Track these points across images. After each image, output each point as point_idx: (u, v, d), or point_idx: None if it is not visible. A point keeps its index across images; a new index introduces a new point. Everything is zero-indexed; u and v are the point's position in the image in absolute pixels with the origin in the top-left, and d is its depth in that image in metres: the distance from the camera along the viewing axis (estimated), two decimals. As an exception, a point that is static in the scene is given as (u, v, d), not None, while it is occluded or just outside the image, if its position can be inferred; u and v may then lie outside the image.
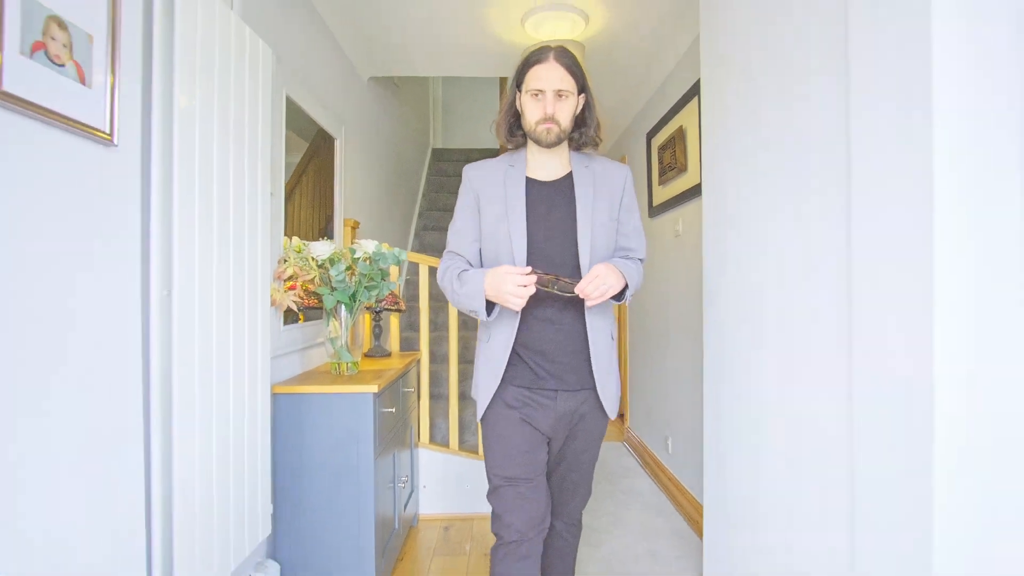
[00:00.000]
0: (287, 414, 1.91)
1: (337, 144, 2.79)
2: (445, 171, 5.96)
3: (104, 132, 1.10)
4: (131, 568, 1.23)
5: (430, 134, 6.31)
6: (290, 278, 2.00)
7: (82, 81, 1.07)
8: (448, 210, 5.21)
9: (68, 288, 1.07)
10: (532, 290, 1.29)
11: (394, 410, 2.22)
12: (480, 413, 1.48)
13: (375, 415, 1.93)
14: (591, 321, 1.43)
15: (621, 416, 4.44)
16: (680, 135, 2.98)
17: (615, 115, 4.14)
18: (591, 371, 1.44)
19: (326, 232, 2.68)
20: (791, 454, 1.41)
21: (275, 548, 1.92)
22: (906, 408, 0.99)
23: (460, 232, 1.49)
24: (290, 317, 2.19)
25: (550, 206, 1.43)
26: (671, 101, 3.19)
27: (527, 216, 1.41)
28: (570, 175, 1.46)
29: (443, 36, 2.95)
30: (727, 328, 1.78)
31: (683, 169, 2.95)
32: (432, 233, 5.03)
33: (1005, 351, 0.93)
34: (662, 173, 3.30)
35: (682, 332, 3.00)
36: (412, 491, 2.72)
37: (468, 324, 4.13)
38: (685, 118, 2.93)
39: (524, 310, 1.41)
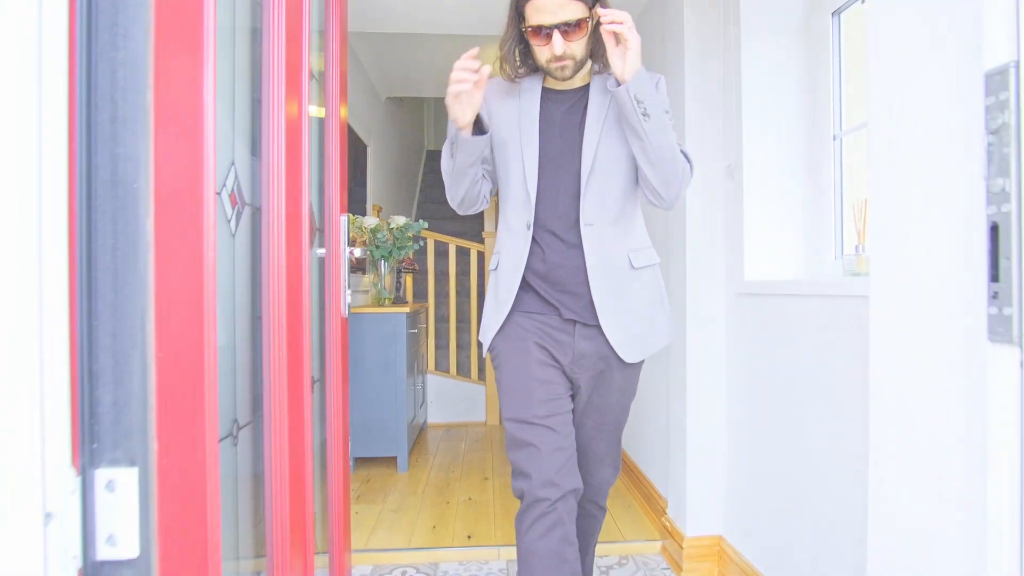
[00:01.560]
0: (351, 328, 2.92)
1: (369, 150, 3.80)
2: (438, 169, 6.93)
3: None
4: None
5: (424, 137, 7.32)
6: (351, 241, 3.02)
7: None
8: (442, 203, 6.23)
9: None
10: (475, 76, 1.15)
11: (416, 331, 3.25)
12: (486, 344, 1.32)
13: (406, 330, 2.96)
14: (589, 243, 1.24)
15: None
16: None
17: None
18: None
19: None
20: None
21: (342, 414, 2.94)
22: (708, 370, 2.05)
23: None
24: (345, 268, 3.20)
25: (567, 112, 1.29)
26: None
27: (540, 126, 1.28)
28: (587, 86, 1.31)
29: (450, 67, 3.95)
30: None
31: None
32: (430, 222, 6.03)
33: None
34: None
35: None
36: (423, 402, 3.75)
37: (462, 291, 5.15)
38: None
39: (535, 230, 1.27)
